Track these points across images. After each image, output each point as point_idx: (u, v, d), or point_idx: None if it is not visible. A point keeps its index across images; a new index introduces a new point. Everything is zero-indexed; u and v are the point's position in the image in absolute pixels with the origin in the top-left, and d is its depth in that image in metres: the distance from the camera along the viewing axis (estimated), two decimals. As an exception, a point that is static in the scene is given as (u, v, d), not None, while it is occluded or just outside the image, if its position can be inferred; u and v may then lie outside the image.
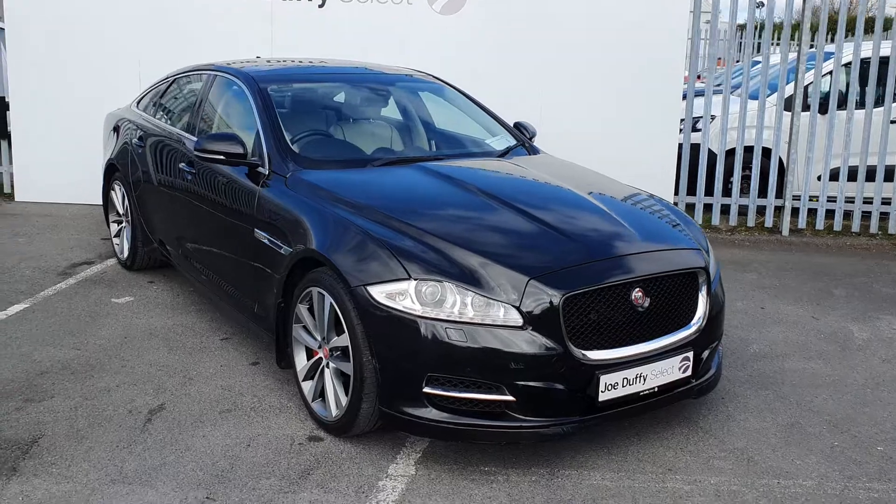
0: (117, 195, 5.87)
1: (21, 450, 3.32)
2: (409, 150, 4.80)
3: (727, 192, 7.95)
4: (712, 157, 7.87)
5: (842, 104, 7.80)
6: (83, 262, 5.94)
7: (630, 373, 3.21)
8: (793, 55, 8.01)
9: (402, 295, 3.13)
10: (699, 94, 7.99)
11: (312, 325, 3.54)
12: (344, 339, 3.28)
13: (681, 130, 7.79)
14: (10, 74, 7.81)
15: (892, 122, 7.55)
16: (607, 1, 7.59)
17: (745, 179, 7.97)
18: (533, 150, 4.88)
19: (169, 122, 5.37)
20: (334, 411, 3.42)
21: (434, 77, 5.41)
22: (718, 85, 8.67)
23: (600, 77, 7.62)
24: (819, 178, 7.80)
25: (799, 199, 7.78)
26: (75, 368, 4.11)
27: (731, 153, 7.84)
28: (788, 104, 7.74)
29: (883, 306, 5.53)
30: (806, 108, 7.77)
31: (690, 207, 7.79)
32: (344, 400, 3.35)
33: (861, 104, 7.69)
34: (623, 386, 3.20)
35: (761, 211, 7.95)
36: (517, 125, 5.14)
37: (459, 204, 3.76)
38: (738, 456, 3.44)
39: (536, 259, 3.29)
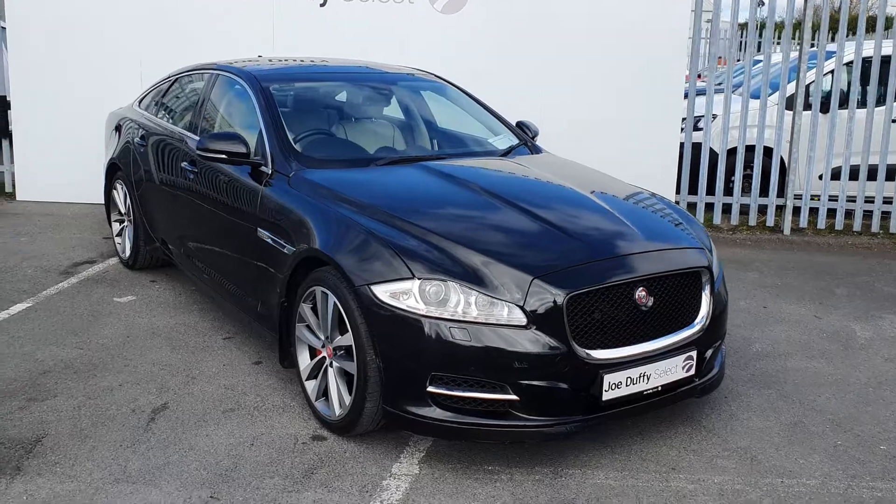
0: (119, 194, 5.87)
1: (25, 449, 3.32)
2: (412, 149, 4.79)
3: (729, 191, 7.95)
4: (714, 156, 7.86)
5: (843, 103, 7.79)
6: (85, 262, 5.94)
7: (634, 372, 3.21)
8: (794, 54, 8.01)
9: (405, 294, 3.13)
10: (700, 93, 7.99)
11: (316, 324, 3.53)
12: (347, 339, 3.28)
13: (682, 130, 7.79)
14: (12, 74, 7.80)
15: (894, 121, 7.54)
16: (608, 0, 7.58)
17: (747, 178, 7.97)
18: (535, 150, 4.88)
19: (171, 121, 5.37)
20: (338, 410, 3.42)
21: (436, 76, 5.40)
22: (720, 84, 8.66)
23: (601, 76, 7.61)
24: (821, 178, 7.79)
25: (800, 199, 7.77)
26: (78, 368, 4.11)
27: (732, 152, 7.82)
28: (790, 103, 7.72)
29: (885, 305, 5.52)
30: (807, 107, 7.76)
31: (692, 206, 7.78)
32: (347, 399, 3.34)
33: (863, 103, 7.68)
34: (627, 385, 3.20)
35: (763, 210, 7.94)
36: (519, 124, 5.13)
37: (462, 203, 3.76)
38: (742, 455, 3.44)
39: (540, 258, 3.28)
